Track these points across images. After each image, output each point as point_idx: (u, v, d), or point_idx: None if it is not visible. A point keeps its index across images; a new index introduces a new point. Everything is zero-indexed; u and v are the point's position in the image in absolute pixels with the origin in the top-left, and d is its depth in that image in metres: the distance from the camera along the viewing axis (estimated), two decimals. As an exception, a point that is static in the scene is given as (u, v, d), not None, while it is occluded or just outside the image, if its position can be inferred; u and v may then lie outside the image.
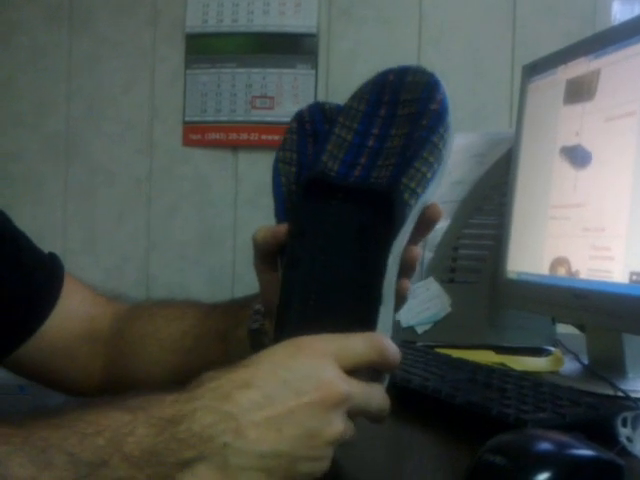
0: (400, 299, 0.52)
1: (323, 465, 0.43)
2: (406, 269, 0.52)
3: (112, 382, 0.72)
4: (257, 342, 0.62)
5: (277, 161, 0.57)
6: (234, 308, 0.68)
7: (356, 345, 0.46)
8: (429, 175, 0.50)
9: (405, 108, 0.52)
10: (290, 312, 0.49)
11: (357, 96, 0.54)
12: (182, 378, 0.44)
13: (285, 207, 0.55)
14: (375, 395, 0.47)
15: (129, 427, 0.39)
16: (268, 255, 0.54)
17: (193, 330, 0.69)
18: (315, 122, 0.57)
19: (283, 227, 0.52)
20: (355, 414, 0.46)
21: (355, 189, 0.51)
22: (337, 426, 0.43)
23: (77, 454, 0.38)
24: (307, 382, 0.43)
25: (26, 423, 0.39)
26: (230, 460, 0.40)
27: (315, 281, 0.50)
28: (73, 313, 0.72)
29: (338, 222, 0.51)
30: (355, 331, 0.47)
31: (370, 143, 0.52)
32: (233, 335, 0.65)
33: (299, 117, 0.58)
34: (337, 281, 0.50)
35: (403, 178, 0.50)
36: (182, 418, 0.40)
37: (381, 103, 0.53)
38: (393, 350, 0.47)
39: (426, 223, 0.53)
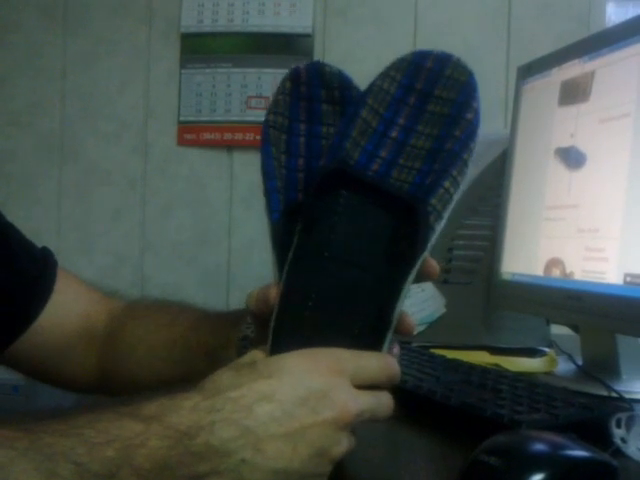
0: (404, 334, 0.50)
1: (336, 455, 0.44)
2: (418, 279, 0.49)
3: (106, 380, 0.71)
4: None
5: (267, 125, 0.51)
6: (225, 325, 0.65)
7: (371, 366, 0.46)
8: (454, 196, 0.47)
9: (437, 106, 0.48)
10: (288, 321, 0.47)
11: (389, 76, 0.49)
12: (167, 385, 0.43)
13: (276, 185, 0.49)
14: (382, 403, 0.47)
15: (141, 438, 0.38)
16: (263, 317, 0.50)
17: (182, 340, 0.67)
18: (312, 86, 0.51)
19: (273, 290, 0.48)
20: (361, 424, 0.46)
21: (372, 186, 0.47)
22: (344, 445, 0.44)
23: (85, 464, 0.36)
24: (324, 401, 0.43)
25: (32, 427, 0.38)
26: (244, 476, 0.40)
27: (319, 289, 0.47)
28: (67, 309, 0.71)
29: (352, 222, 0.47)
30: (359, 348, 0.46)
31: (393, 134, 0.48)
32: (222, 354, 0.63)
33: (294, 76, 0.52)
34: (343, 292, 0.47)
35: (432, 198, 0.46)
36: (199, 430, 0.39)
37: (412, 89, 0.49)
38: (398, 371, 0.48)
39: (421, 278, 0.49)
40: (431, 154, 0.48)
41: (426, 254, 0.47)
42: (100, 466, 0.36)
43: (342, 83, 0.52)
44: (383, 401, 0.47)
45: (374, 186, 0.47)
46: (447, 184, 0.47)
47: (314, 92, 0.52)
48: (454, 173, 0.47)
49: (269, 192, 0.50)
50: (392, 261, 0.47)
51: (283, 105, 0.52)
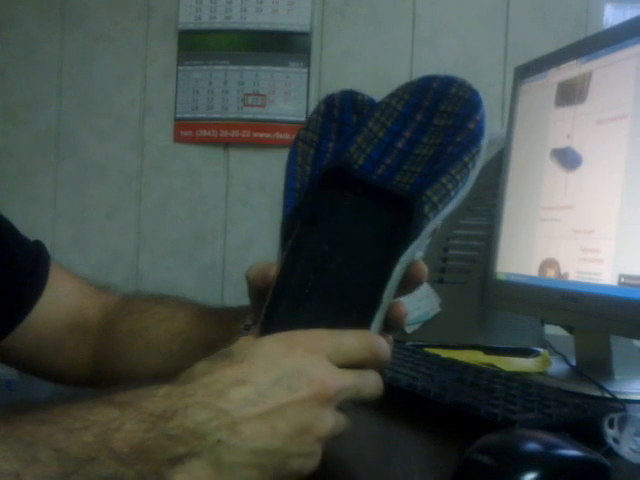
0: (395, 322, 0.51)
1: (313, 461, 0.43)
2: (408, 283, 0.51)
3: (101, 374, 0.71)
4: None
5: (297, 139, 0.56)
6: (227, 319, 0.66)
7: (349, 342, 0.46)
8: (452, 193, 0.50)
9: (442, 119, 0.52)
10: (284, 299, 0.48)
11: (397, 95, 0.53)
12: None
13: (295, 186, 0.53)
14: (368, 382, 0.47)
15: (117, 423, 0.38)
16: (260, 290, 0.51)
17: (181, 335, 0.68)
18: (344, 110, 0.55)
19: (274, 268, 0.49)
20: (348, 403, 0.46)
21: (374, 187, 0.50)
22: (328, 422, 0.43)
23: (63, 450, 0.37)
24: (299, 379, 0.43)
25: (10, 417, 0.38)
26: (223, 457, 0.40)
27: (316, 271, 0.49)
28: (61, 303, 0.71)
29: (353, 217, 0.50)
30: (347, 327, 0.47)
31: (400, 145, 0.52)
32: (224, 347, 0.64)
33: (329, 101, 0.56)
34: (339, 276, 0.49)
35: (427, 190, 0.49)
36: (174, 414, 0.40)
37: (419, 107, 0.52)
38: (385, 349, 0.48)
39: (410, 281, 0.51)
40: (433, 159, 0.51)
41: (419, 242, 0.49)
42: (79, 450, 0.37)
43: None
44: (369, 380, 0.47)
45: (376, 187, 0.50)
46: (444, 180, 0.49)
47: (345, 116, 0.55)
48: (452, 172, 0.50)
49: (287, 190, 0.53)
50: (386, 246, 0.49)
51: (315, 124, 0.56)
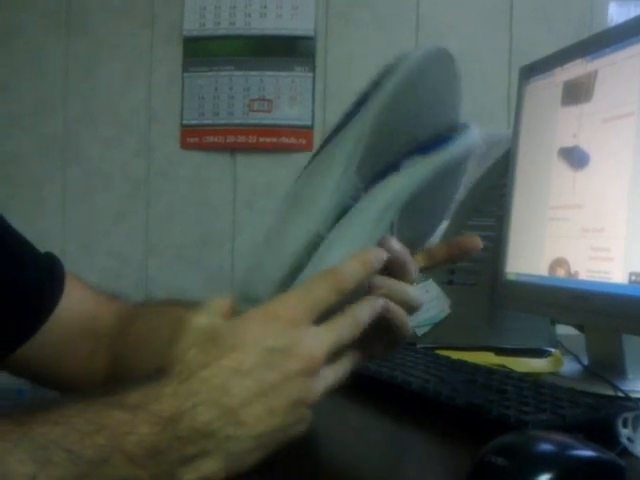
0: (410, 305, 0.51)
1: (306, 423, 0.45)
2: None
3: (116, 376, 0.71)
4: None
5: None
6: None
7: (320, 295, 0.46)
8: None
9: None
10: None
11: None
12: None
13: None
14: (354, 323, 0.47)
15: (129, 426, 0.39)
16: None
17: None
18: None
19: None
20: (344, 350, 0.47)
21: None
22: (318, 389, 0.45)
23: (77, 451, 0.37)
24: (289, 358, 0.44)
25: (21, 418, 0.39)
26: (230, 449, 0.42)
27: None
28: (75, 311, 0.71)
29: None
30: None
31: None
32: None
33: None
34: None
35: None
36: (182, 415, 0.41)
37: None
38: (363, 259, 0.48)
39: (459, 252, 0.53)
40: None
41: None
42: (93, 453, 0.38)
43: None
44: (357, 319, 0.47)
45: None
46: None
47: None
48: None
49: None
50: None
51: None
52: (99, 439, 0.38)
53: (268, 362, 0.44)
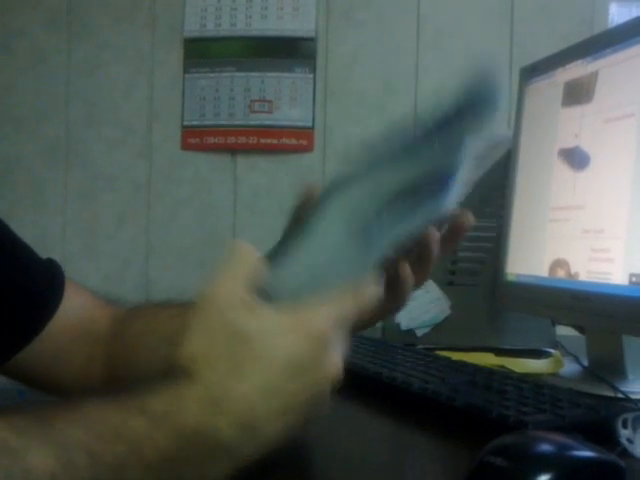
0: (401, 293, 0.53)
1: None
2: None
3: (114, 378, 0.71)
4: None
5: None
6: None
7: (347, 313, 0.46)
8: None
9: None
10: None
11: None
12: None
13: None
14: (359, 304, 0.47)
15: (151, 439, 0.39)
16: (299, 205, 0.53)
17: None
18: None
19: (317, 191, 0.52)
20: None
21: None
22: (331, 388, 0.45)
23: (97, 454, 0.38)
24: (317, 381, 0.44)
25: (41, 414, 0.39)
26: (246, 457, 0.43)
27: None
28: (74, 316, 0.72)
29: None
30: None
31: None
32: None
33: None
34: None
35: None
36: (207, 430, 0.41)
37: None
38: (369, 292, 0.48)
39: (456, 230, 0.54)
40: None
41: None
42: (112, 458, 0.38)
43: None
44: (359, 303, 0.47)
45: None
46: None
47: None
48: None
49: None
50: None
51: None
52: (119, 445, 0.38)
53: (295, 381, 0.44)
